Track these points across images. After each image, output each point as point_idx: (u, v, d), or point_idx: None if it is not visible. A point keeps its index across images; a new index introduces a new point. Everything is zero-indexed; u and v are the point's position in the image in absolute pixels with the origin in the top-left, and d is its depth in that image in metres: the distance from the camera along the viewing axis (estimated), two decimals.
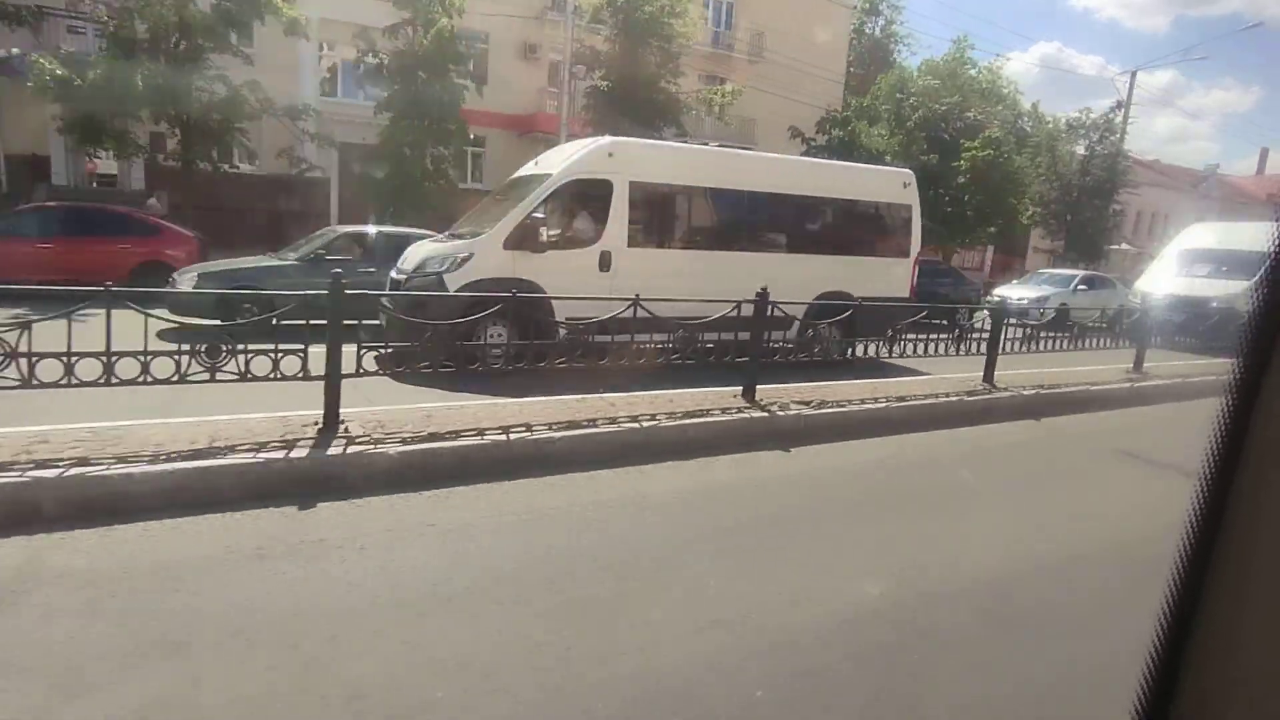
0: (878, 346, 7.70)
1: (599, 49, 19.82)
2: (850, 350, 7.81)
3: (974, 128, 27.66)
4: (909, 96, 25.85)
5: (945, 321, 13.33)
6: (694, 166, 8.05)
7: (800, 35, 29.71)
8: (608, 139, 7.62)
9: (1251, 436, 0.71)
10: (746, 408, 5.82)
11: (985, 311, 9.08)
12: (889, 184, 9.17)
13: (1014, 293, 16.68)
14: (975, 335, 8.17)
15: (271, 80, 17.66)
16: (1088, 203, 29.77)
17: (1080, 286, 16.64)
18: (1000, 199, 26.22)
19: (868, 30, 37.69)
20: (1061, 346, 9.07)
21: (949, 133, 28.11)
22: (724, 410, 5.66)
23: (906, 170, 9.55)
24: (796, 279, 8.04)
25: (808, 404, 6.13)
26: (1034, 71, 73.02)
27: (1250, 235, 14.15)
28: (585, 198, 7.47)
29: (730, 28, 30.01)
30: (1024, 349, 8.41)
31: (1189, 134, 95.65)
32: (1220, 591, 0.73)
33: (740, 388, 6.11)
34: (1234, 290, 13.09)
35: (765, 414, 5.71)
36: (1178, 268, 14.48)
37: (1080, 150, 30.97)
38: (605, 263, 7.28)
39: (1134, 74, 31.90)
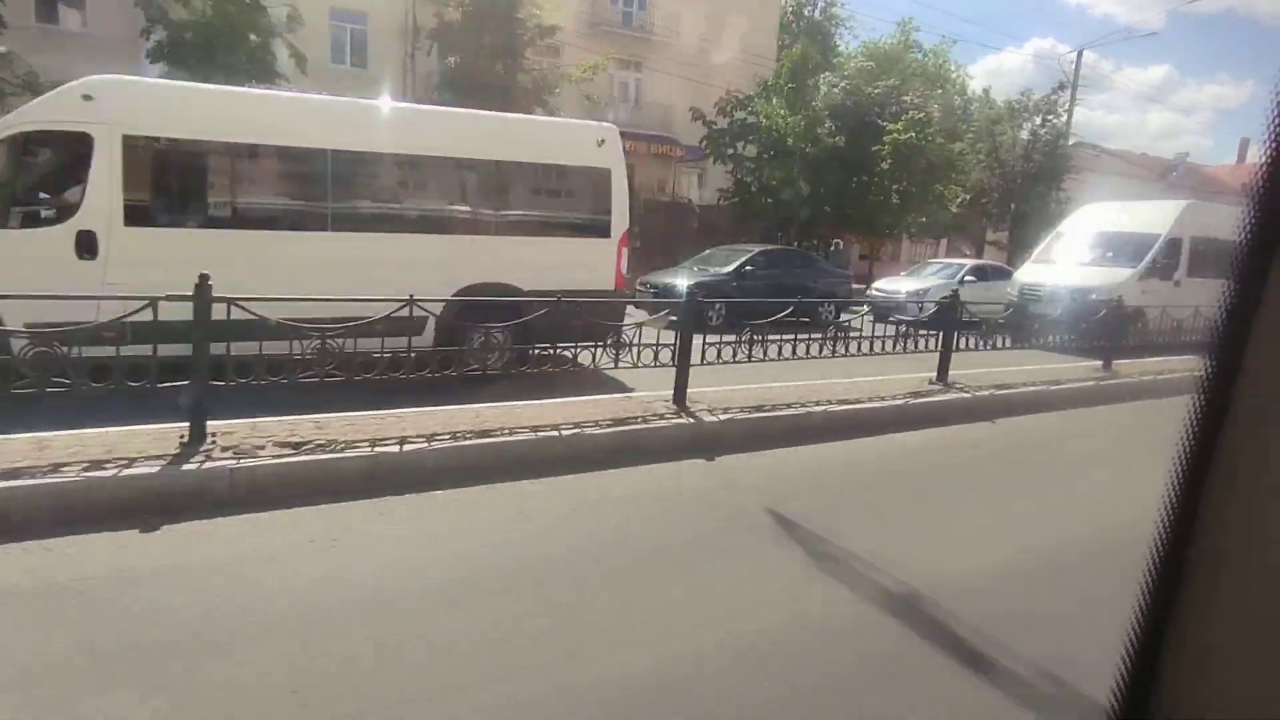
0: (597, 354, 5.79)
1: (451, 23, 17.81)
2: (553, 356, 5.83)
3: (909, 111, 25.65)
4: (816, 75, 23.79)
5: (808, 319, 11.25)
6: (240, 117, 5.88)
7: (723, 16, 27.74)
8: (89, 78, 5.54)
9: (1224, 435, 0.70)
10: (169, 457, 3.80)
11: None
12: (574, 142, 7.04)
13: (896, 286, 14.66)
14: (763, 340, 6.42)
15: (107, 59, 15.78)
16: (1031, 190, 27.75)
17: (968, 278, 14.59)
18: (926, 186, 24.19)
19: (806, 13, 35.72)
20: (873, 350, 7.08)
21: (884, 117, 26.11)
22: (121, 462, 3.65)
23: (605, 124, 7.42)
24: (425, 267, 6.03)
25: (295, 448, 4.12)
26: (1028, 68, 71.53)
27: (1146, 215, 12.13)
28: (52, 157, 5.45)
29: (644, 7, 27.98)
30: (748, 356, 6.38)
31: (1181, 129, 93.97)
32: (1194, 595, 0.72)
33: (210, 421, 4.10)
34: (1118, 279, 11.06)
35: (167, 467, 3.70)
36: (1059, 254, 12.46)
37: (1024, 135, 28.94)
38: (88, 246, 5.24)
39: (1080, 53, 29.95)
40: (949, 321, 7.33)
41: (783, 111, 21.12)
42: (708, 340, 6.18)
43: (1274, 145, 0.67)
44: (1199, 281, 11.78)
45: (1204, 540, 0.72)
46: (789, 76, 21.84)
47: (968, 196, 25.37)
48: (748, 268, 12.60)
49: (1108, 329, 8.93)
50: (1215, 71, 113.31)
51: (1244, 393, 0.69)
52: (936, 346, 7.59)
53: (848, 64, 29.52)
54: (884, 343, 7.26)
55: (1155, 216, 11.74)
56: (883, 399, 6.48)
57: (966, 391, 7.03)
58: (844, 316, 10.08)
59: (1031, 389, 7.44)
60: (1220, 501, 0.71)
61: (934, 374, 7.32)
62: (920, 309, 12.17)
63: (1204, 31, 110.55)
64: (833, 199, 26.84)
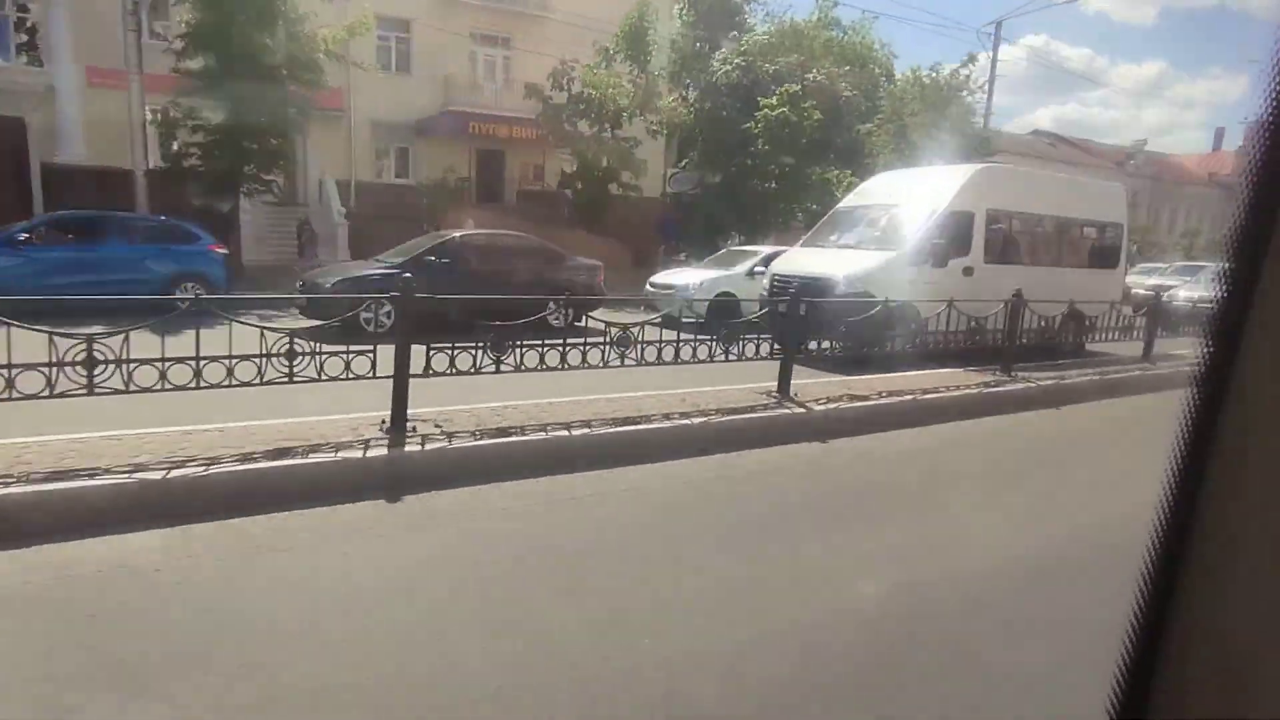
0: None
1: None
2: None
3: (787, 85, 22.91)
4: (656, 35, 20.98)
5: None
6: None
7: None
8: None
9: (1220, 435, 0.69)
10: None
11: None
12: None
13: (680, 279, 11.92)
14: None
15: None
16: None
17: (760, 268, 11.78)
18: (803, 168, 21.49)
19: None
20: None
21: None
22: None
23: None
24: None
25: None
26: (1021, 64, 71.00)
27: (932, 184, 9.36)
28: None
29: None
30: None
31: (1178, 124, 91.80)
32: (1191, 596, 0.72)
33: None
34: (869, 265, 8.28)
35: None
36: (830, 236, 9.68)
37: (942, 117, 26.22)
38: None
39: (999, 24, 27.30)
40: (406, 329, 4.59)
41: (616, 80, 18.42)
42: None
43: (1265, 136, 0.65)
44: (1008, 270, 9.02)
45: (1201, 541, 0.71)
46: (627, 41, 19.11)
47: (854, 181, 22.63)
48: (429, 257, 9.84)
49: (792, 331, 6.21)
50: (1209, 66, 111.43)
51: (1239, 392, 0.68)
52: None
53: (743, 41, 26.77)
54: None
55: (940, 185, 8.94)
56: (214, 462, 3.74)
57: (421, 443, 4.29)
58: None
59: (559, 435, 4.69)
60: (1216, 502, 0.70)
61: (396, 412, 4.58)
62: (690, 307, 9.51)
63: (1197, 26, 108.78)
64: (723, 187, 24.21)
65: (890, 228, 8.77)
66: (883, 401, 6.27)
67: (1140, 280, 20.24)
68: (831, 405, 5.98)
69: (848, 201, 10.29)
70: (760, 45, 26.41)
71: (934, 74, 25.14)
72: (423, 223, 19.75)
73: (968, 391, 6.97)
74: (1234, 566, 0.70)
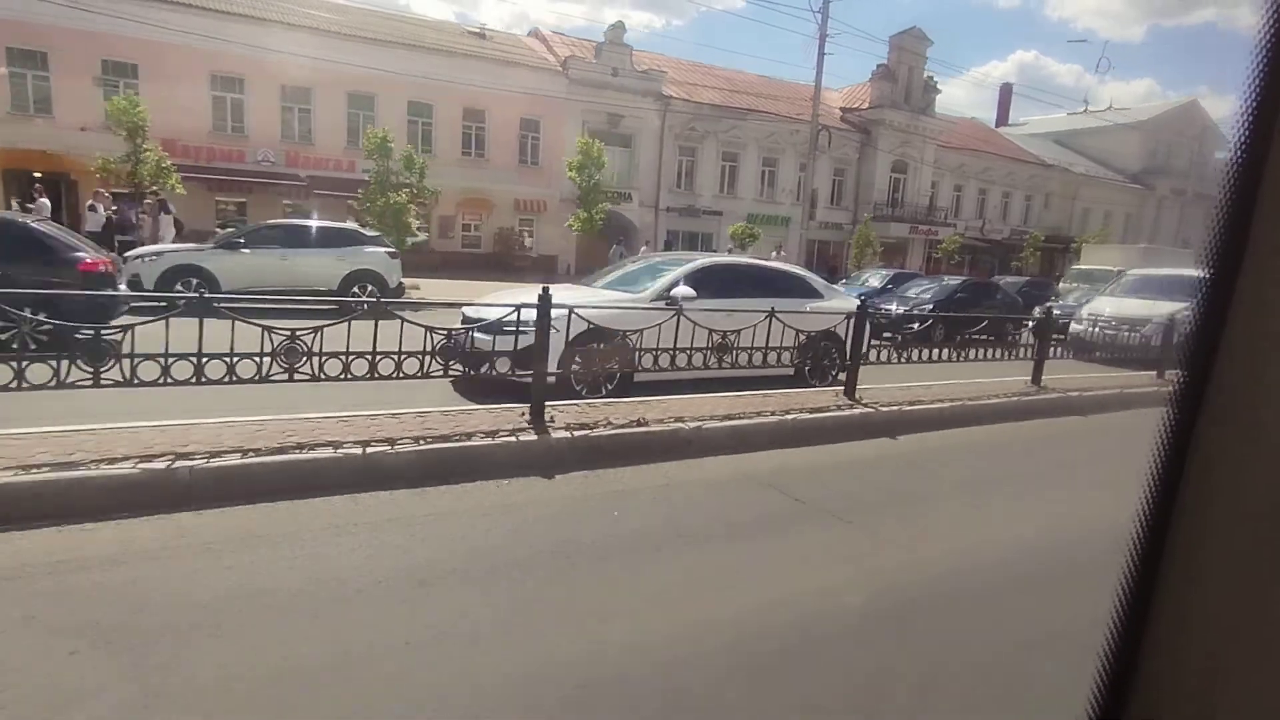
0: None
1: None
2: None
3: None
4: None
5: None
6: None
7: None
8: None
9: (1195, 445, 0.72)
10: None
11: None
12: None
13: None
14: None
15: None
16: None
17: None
18: None
19: None
20: None
21: None
22: None
23: None
24: None
25: None
26: (1011, 76, 69.94)
27: None
28: None
29: None
30: None
31: None
32: (1169, 600, 0.74)
33: None
34: None
35: None
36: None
37: None
38: None
39: None
40: None
41: None
42: None
43: (1243, 149, 0.67)
44: None
45: (1179, 546, 0.73)
46: None
47: None
48: None
49: None
50: (1196, 85, 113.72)
51: (1214, 403, 0.69)
52: None
53: None
54: None
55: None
56: None
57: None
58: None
59: None
60: (1193, 508, 0.72)
61: None
62: None
63: (1185, 46, 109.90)
64: None
65: None
66: None
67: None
68: None
69: None
70: None
71: None
72: None
73: None
74: (1211, 570, 0.71)
